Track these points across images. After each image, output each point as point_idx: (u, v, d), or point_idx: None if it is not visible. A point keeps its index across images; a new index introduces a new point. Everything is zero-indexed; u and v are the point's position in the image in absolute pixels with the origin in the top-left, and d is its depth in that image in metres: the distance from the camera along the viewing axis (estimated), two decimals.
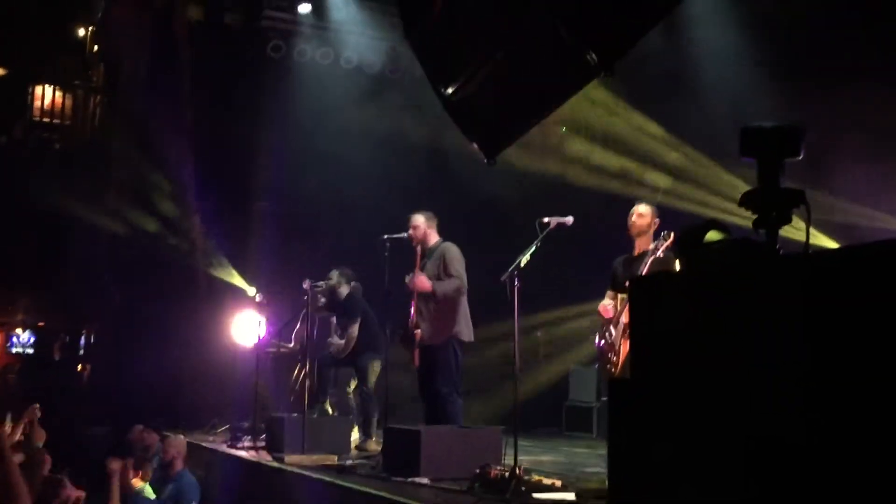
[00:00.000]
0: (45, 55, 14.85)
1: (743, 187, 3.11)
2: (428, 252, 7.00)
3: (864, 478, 2.23)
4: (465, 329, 6.79)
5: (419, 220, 7.07)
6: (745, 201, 3.11)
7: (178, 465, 7.33)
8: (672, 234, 5.48)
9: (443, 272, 6.79)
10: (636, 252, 5.92)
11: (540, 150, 12.12)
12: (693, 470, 2.71)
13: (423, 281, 6.77)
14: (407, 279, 6.84)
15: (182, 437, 7.78)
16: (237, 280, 10.94)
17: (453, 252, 6.88)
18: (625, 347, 5.52)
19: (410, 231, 7.03)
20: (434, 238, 7.07)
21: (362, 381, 8.40)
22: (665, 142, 10.53)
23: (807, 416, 2.38)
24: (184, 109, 11.52)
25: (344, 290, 8.58)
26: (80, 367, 14.95)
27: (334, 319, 8.80)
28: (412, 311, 6.82)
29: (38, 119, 14.47)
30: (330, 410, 8.47)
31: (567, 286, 11.11)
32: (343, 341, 8.42)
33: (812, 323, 2.40)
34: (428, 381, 6.81)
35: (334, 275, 8.52)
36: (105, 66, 14.88)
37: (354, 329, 8.38)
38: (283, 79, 11.35)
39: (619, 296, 5.81)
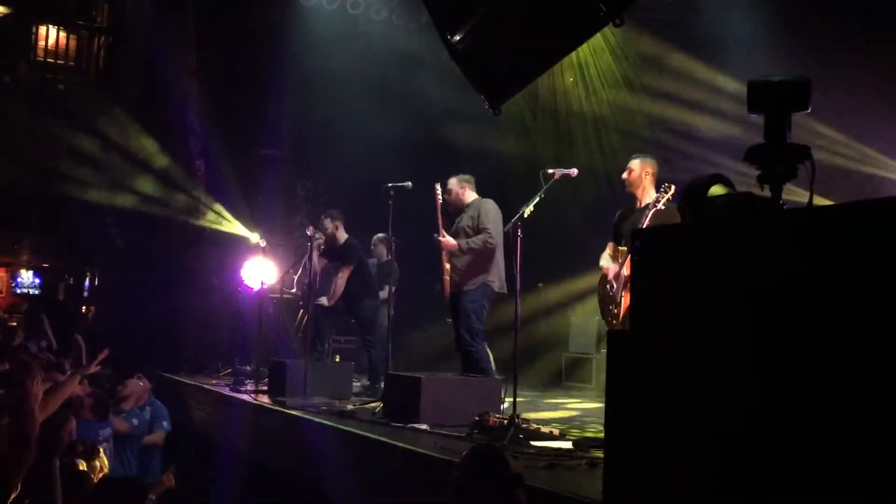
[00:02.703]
0: None
1: None
2: (465, 207, 7.05)
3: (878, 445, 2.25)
4: (496, 280, 6.84)
5: (452, 183, 7.10)
6: (751, 156, 3.09)
7: (129, 404, 7.48)
8: (672, 187, 5.51)
9: (476, 224, 6.86)
10: (638, 205, 5.92)
11: (544, 102, 12.05)
12: (688, 422, 2.75)
13: (447, 241, 6.85)
14: (435, 238, 6.91)
15: (143, 383, 7.85)
16: (239, 229, 10.97)
17: (487, 206, 6.93)
18: (625, 300, 5.55)
19: (445, 196, 7.07)
20: (470, 197, 7.10)
21: (364, 330, 8.44)
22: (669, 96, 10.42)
23: (807, 370, 2.39)
24: (189, 52, 11.42)
25: (342, 236, 8.51)
26: (84, 308, 15.06)
27: (318, 266, 8.78)
28: (444, 262, 6.91)
29: (41, 59, 14.36)
30: (335, 357, 8.55)
31: (571, 238, 11.12)
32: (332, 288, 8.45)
33: (813, 277, 2.41)
34: (455, 328, 6.91)
35: (327, 223, 8.43)
36: (109, 6, 14.74)
37: (343, 276, 8.34)
38: (288, 23, 11.22)
39: (620, 248, 5.83)
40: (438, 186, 7.07)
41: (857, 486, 2.24)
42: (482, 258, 6.79)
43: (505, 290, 6.89)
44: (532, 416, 5.89)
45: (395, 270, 8.34)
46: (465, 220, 6.97)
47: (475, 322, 6.74)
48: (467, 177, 7.19)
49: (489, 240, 6.75)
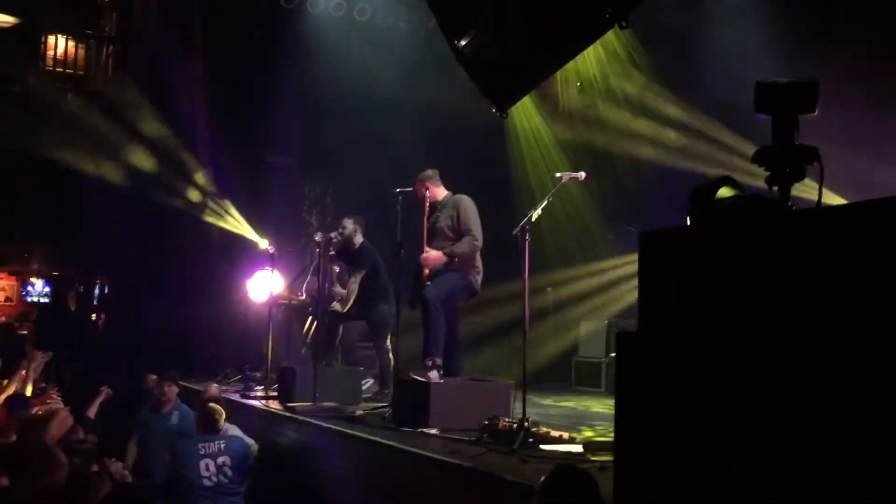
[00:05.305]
0: (57, 4, 14.76)
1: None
2: (439, 206, 6.84)
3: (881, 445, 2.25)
4: (477, 279, 6.71)
5: (419, 183, 6.89)
6: (759, 158, 3.09)
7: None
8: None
9: (456, 224, 6.68)
10: None
11: (554, 108, 12.07)
12: (697, 423, 2.74)
13: (434, 257, 6.59)
14: (420, 258, 6.66)
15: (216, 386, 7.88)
16: (249, 232, 10.97)
17: (466, 205, 6.71)
18: None
19: (415, 197, 6.89)
20: (441, 193, 6.92)
21: (377, 336, 8.38)
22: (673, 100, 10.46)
23: (816, 372, 2.39)
24: (196, 60, 11.47)
25: (358, 240, 8.45)
26: (94, 316, 15.09)
27: (337, 268, 8.77)
28: (426, 270, 6.66)
29: (51, 69, 14.43)
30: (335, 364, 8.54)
31: (579, 242, 11.14)
32: (345, 292, 8.42)
33: (823, 279, 2.41)
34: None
35: (349, 224, 8.36)
36: (118, 16, 14.80)
37: (356, 281, 8.30)
38: (295, 30, 11.26)
39: None
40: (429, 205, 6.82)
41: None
42: (463, 263, 6.63)
43: (479, 290, 6.79)
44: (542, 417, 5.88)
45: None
46: (442, 220, 6.73)
47: (445, 290, 6.52)
48: (431, 172, 6.97)
49: (475, 243, 6.61)
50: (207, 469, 6.19)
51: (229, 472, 6.24)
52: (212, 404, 6.75)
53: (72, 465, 4.04)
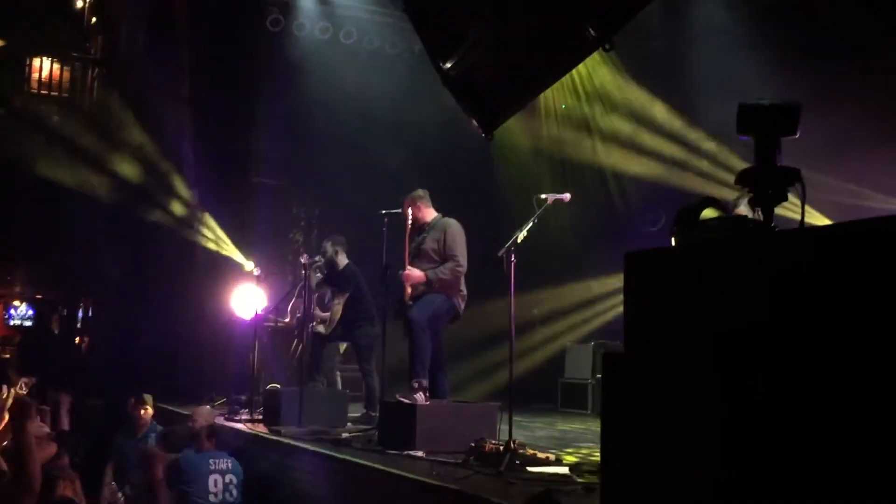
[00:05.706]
0: (42, 27, 14.77)
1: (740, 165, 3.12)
2: (427, 227, 6.84)
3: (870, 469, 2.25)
4: (460, 303, 6.73)
5: (407, 203, 6.85)
6: (742, 179, 3.12)
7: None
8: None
9: (442, 248, 6.66)
10: None
11: (540, 127, 12.13)
12: (684, 445, 2.74)
13: (414, 275, 6.57)
14: (399, 275, 6.65)
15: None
16: (234, 254, 10.94)
17: (453, 229, 6.69)
18: None
19: (402, 218, 6.85)
20: (430, 214, 6.90)
21: (362, 358, 8.34)
22: (664, 119, 10.53)
23: (799, 392, 2.40)
24: (181, 82, 11.47)
25: (342, 260, 8.42)
26: (78, 339, 14.99)
27: (316, 295, 8.75)
28: (407, 288, 6.65)
29: (35, 91, 14.43)
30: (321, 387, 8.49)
31: (565, 263, 11.15)
32: (327, 314, 8.38)
33: (805, 298, 2.42)
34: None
35: (328, 247, 8.36)
36: (103, 38, 14.81)
37: (339, 303, 8.27)
38: (281, 53, 11.29)
39: None
40: (410, 214, 6.78)
41: None
42: (445, 286, 6.60)
43: (461, 314, 6.77)
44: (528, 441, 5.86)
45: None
46: (428, 243, 6.71)
47: (428, 312, 6.50)
48: (421, 192, 6.95)
49: (457, 268, 6.58)
50: (216, 485, 6.10)
51: (234, 492, 6.18)
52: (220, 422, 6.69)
53: (45, 493, 3.99)
